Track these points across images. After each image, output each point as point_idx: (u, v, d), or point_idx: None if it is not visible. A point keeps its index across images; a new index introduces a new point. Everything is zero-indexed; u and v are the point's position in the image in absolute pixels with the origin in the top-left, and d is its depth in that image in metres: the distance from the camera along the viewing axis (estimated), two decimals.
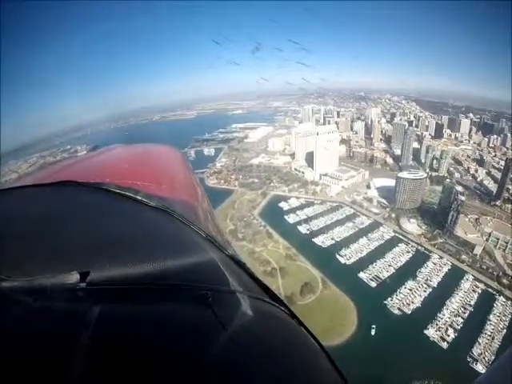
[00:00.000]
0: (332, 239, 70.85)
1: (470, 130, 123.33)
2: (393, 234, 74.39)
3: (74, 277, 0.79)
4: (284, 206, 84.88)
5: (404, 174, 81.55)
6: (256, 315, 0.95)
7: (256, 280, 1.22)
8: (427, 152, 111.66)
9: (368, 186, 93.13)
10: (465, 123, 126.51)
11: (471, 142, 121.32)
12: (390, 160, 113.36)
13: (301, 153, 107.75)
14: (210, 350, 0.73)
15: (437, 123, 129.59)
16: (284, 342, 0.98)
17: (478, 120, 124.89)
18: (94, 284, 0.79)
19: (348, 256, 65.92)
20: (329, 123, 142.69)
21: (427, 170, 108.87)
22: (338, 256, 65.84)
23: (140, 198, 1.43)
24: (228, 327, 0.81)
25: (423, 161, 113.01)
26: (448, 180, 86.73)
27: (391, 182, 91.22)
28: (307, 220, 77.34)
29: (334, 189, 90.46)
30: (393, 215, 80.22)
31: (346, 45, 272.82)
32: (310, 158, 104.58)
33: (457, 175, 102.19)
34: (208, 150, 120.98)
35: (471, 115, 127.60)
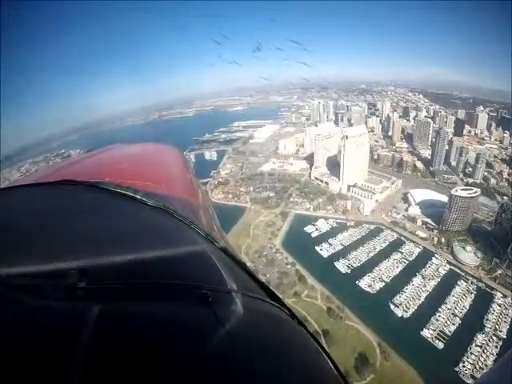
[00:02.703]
0: (381, 280, 56.76)
1: (490, 126, 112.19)
2: (448, 266, 61.06)
3: (73, 275, 0.78)
4: (312, 230, 69.56)
5: (458, 192, 67.20)
6: (256, 315, 0.95)
7: (256, 280, 1.21)
8: (460, 155, 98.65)
9: (406, 200, 78.53)
10: (482, 118, 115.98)
11: (492, 138, 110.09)
12: (419, 164, 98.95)
13: (321, 158, 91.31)
14: (209, 349, 0.73)
15: (457, 119, 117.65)
16: (284, 341, 0.97)
17: (495, 114, 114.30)
18: (93, 283, 0.78)
19: (404, 306, 52.09)
20: (342, 120, 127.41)
21: (460, 176, 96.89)
22: (392, 306, 52.03)
23: (139, 197, 1.43)
24: (228, 327, 0.80)
25: (453, 164, 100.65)
26: (506, 197, 73.00)
27: (432, 195, 77.84)
28: (345, 252, 62.63)
29: (367, 205, 75.19)
30: (443, 239, 66.48)
31: (344, 37, 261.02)
32: (331, 165, 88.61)
33: (492, 181, 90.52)
34: (210, 154, 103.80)
35: (481, 107, 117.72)
